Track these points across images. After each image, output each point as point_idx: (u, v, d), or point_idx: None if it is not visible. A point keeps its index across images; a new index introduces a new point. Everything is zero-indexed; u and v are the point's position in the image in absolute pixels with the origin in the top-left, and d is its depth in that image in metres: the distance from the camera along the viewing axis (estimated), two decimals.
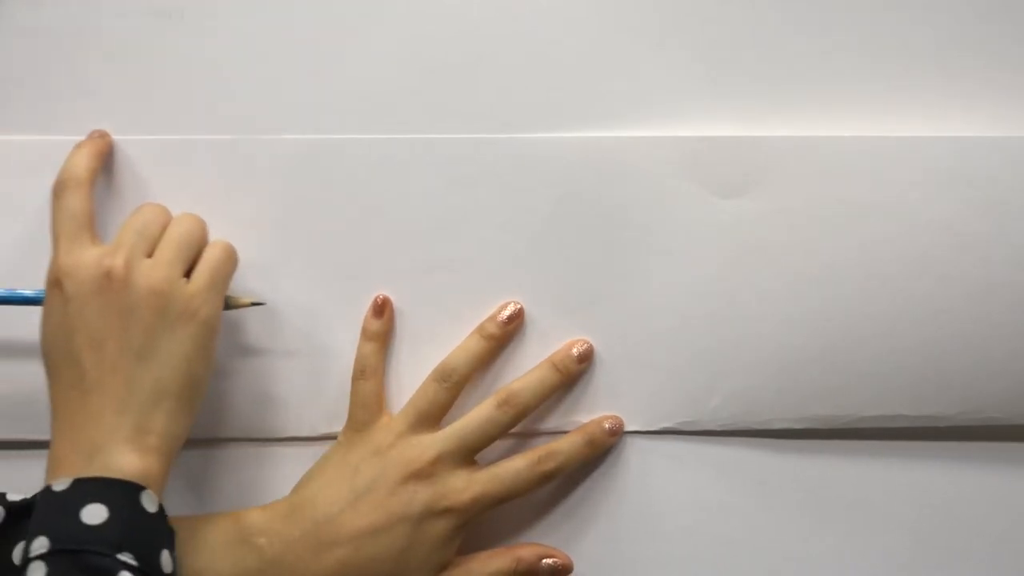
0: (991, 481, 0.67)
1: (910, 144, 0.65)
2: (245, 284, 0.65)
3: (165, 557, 0.54)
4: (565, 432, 0.65)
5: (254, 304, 0.64)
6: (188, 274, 0.60)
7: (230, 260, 0.62)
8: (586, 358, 0.65)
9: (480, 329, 0.65)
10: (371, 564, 0.60)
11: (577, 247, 0.66)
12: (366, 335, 0.65)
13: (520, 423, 0.64)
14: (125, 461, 0.55)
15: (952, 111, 0.66)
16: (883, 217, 0.64)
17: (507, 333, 0.65)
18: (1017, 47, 0.66)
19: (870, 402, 0.65)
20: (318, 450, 0.65)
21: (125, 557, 0.52)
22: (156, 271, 0.58)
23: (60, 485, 0.54)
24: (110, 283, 0.57)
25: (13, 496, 0.58)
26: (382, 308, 0.65)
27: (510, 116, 0.66)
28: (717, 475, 0.67)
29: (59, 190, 0.62)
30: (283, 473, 0.65)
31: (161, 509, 0.55)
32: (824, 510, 0.67)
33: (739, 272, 0.65)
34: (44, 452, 0.65)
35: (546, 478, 0.64)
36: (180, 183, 0.65)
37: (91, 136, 0.65)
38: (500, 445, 0.65)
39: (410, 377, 0.65)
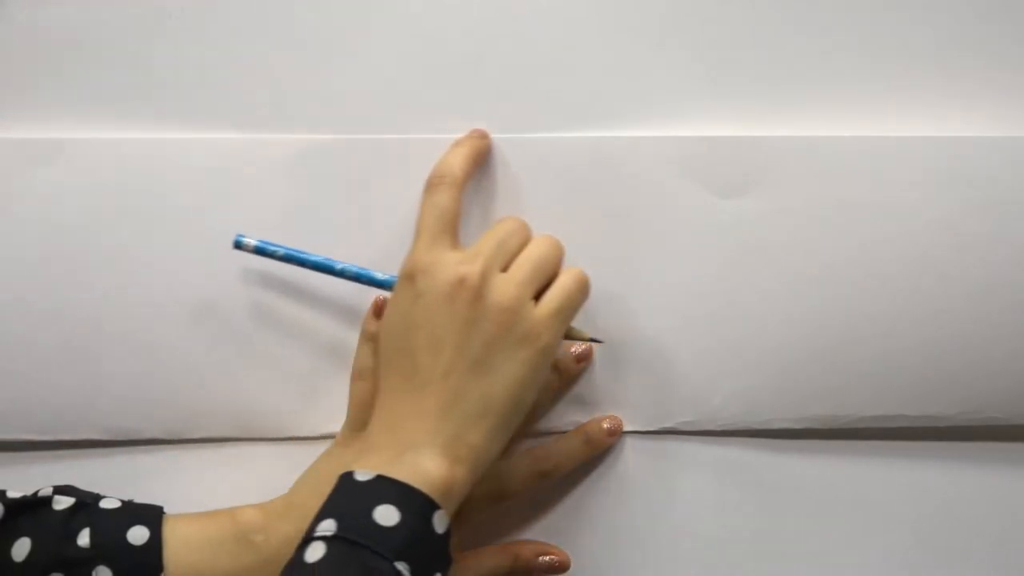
0: (991, 481, 0.67)
1: (910, 144, 0.65)
2: (245, 283, 0.65)
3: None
4: (564, 432, 0.65)
5: (593, 340, 0.63)
6: (537, 297, 0.59)
7: (582, 291, 0.61)
8: (585, 358, 0.65)
9: None
10: None
11: (577, 247, 0.65)
12: (365, 336, 0.65)
13: None
14: (434, 465, 0.55)
15: (952, 111, 0.66)
16: (883, 217, 0.64)
17: None
18: (1017, 47, 0.66)
19: (870, 402, 0.65)
20: (318, 450, 0.65)
21: (401, 567, 0.51)
22: (508, 288, 0.58)
23: (363, 476, 0.54)
24: (462, 290, 0.57)
25: (13, 493, 0.58)
26: (382, 309, 0.65)
27: (510, 116, 0.66)
28: (717, 475, 0.67)
29: (432, 186, 0.62)
30: (283, 473, 0.64)
31: (448, 532, 0.55)
32: (824, 510, 0.67)
33: (739, 272, 0.65)
34: (44, 452, 0.66)
35: (544, 478, 0.64)
36: (180, 183, 0.65)
37: (470, 135, 0.65)
38: None
39: None
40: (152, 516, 0.59)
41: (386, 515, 0.52)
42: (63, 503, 0.59)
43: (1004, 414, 0.65)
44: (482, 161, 0.65)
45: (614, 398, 0.66)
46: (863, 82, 0.66)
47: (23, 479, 0.63)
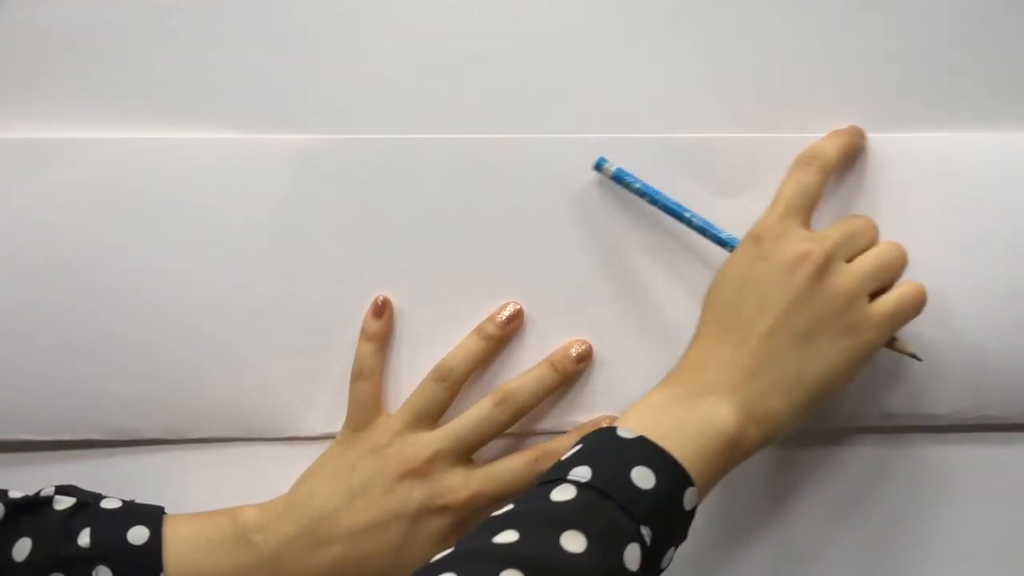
0: (991, 481, 0.67)
1: (910, 144, 0.65)
2: (245, 283, 0.66)
3: (671, 553, 0.54)
4: (563, 432, 0.65)
5: (913, 356, 0.63)
6: (872, 297, 0.59)
7: (917, 305, 0.60)
8: (584, 358, 0.65)
9: (479, 329, 0.65)
10: (367, 561, 0.60)
11: (577, 247, 0.66)
12: (365, 335, 0.65)
13: (517, 422, 0.64)
14: (729, 415, 0.55)
15: (952, 111, 0.66)
16: (882, 217, 0.64)
17: (506, 334, 0.65)
18: (1017, 47, 0.66)
19: (868, 402, 0.65)
20: (318, 450, 0.65)
21: (645, 532, 0.51)
22: (848, 277, 0.58)
23: (626, 433, 0.54)
24: (805, 263, 0.58)
25: (14, 493, 0.58)
26: (382, 309, 0.65)
27: (510, 116, 0.66)
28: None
29: (802, 163, 0.63)
30: (283, 473, 0.65)
31: (694, 512, 0.55)
32: (824, 510, 0.67)
33: None
34: (44, 452, 0.66)
35: None
36: (180, 183, 0.65)
37: (851, 129, 0.65)
38: (497, 444, 0.65)
39: (409, 377, 0.65)
40: (152, 516, 0.59)
41: (643, 477, 0.52)
42: (64, 503, 0.59)
43: (1001, 412, 0.65)
44: (854, 157, 0.65)
45: (614, 398, 0.66)
46: (863, 82, 0.66)
47: (23, 479, 0.63)
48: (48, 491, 0.59)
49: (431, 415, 0.64)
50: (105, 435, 0.67)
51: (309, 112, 0.66)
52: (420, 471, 0.61)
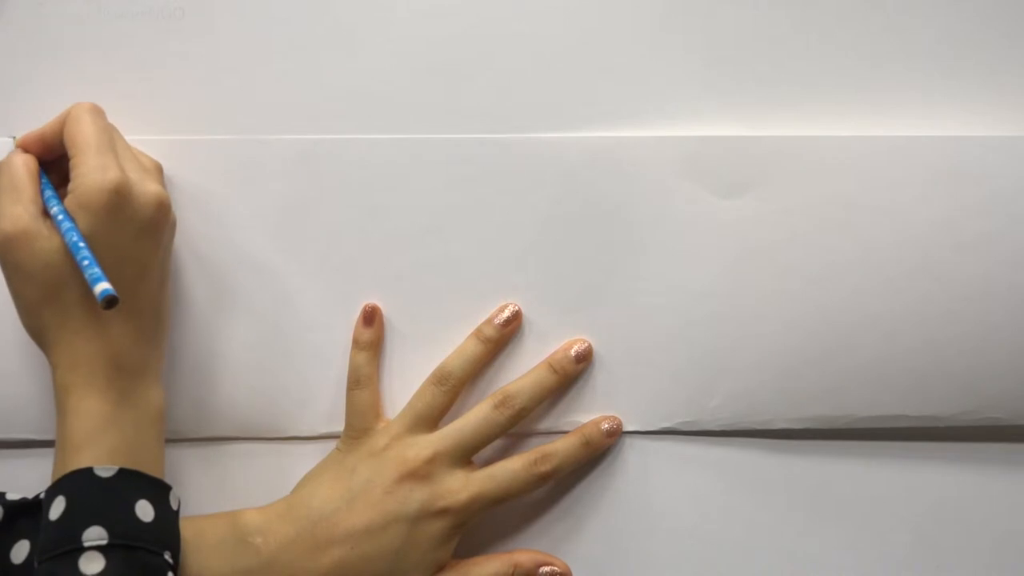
0: (991, 481, 0.67)
1: (910, 144, 0.65)
2: (245, 283, 0.66)
3: (178, 558, 0.56)
4: (563, 433, 0.66)
5: None
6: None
7: None
8: (584, 358, 0.65)
9: (477, 332, 0.65)
10: (367, 563, 0.60)
11: (576, 247, 0.66)
12: (358, 345, 0.65)
13: (517, 424, 0.64)
14: (159, 393, 0.60)
15: (952, 111, 0.66)
16: (883, 217, 0.64)
17: (504, 336, 0.65)
18: (1017, 47, 0.66)
19: (870, 402, 0.65)
20: (318, 450, 0.65)
21: (168, 556, 0.53)
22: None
23: (105, 472, 0.54)
24: None
25: (12, 496, 0.58)
26: (371, 316, 0.65)
27: (510, 116, 0.66)
28: (717, 475, 0.67)
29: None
30: (283, 473, 0.65)
31: (179, 508, 0.57)
32: (824, 510, 0.67)
33: (739, 272, 0.65)
34: (45, 452, 0.66)
35: (543, 479, 0.64)
36: (180, 183, 0.65)
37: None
38: (497, 445, 0.65)
39: (409, 380, 0.65)
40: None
41: (144, 510, 0.54)
42: None
43: (1004, 414, 0.65)
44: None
45: (613, 399, 0.66)
46: (863, 82, 0.66)
47: (23, 479, 0.63)
48: None
49: (431, 418, 0.64)
50: None
51: (309, 112, 0.66)
52: (420, 473, 0.61)
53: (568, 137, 0.65)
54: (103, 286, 0.54)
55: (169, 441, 0.66)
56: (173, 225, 0.62)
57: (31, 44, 0.66)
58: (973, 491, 0.67)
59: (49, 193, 0.59)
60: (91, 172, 0.57)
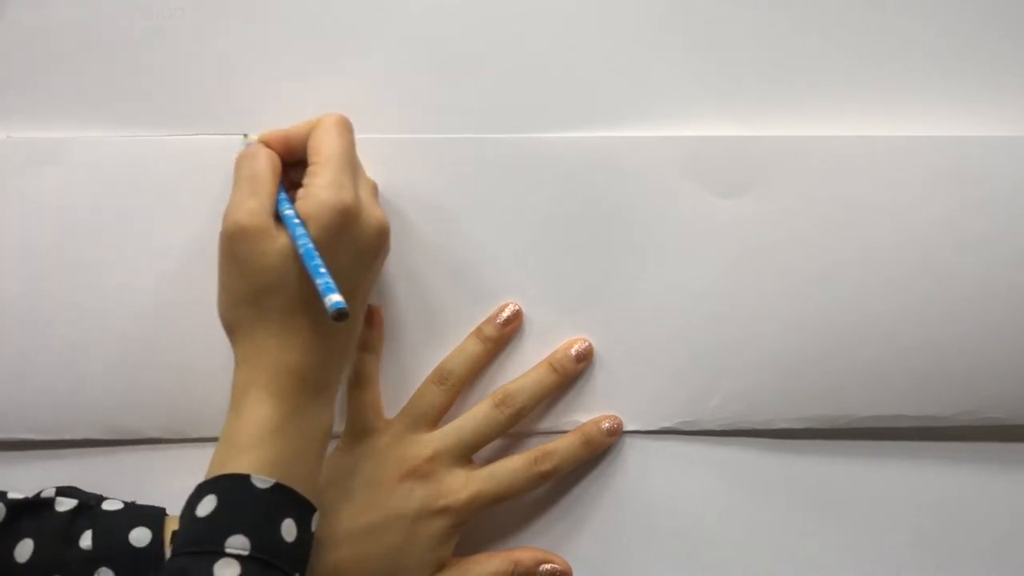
0: (991, 481, 0.67)
1: (910, 144, 0.65)
2: None
3: None
4: (563, 432, 0.66)
5: None
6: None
7: None
8: (584, 357, 0.65)
9: (478, 331, 0.65)
10: (368, 562, 0.60)
11: (577, 247, 0.66)
12: (359, 345, 0.65)
13: (518, 423, 0.64)
14: (329, 415, 0.59)
15: (952, 111, 0.66)
16: (883, 217, 0.64)
17: (505, 335, 0.65)
18: (1017, 47, 0.66)
19: (870, 402, 0.65)
20: None
21: None
22: None
23: (262, 483, 0.54)
24: None
25: (15, 495, 0.58)
26: (372, 317, 0.65)
27: (510, 116, 0.66)
28: (717, 475, 0.67)
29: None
30: None
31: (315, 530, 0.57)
32: (824, 510, 0.67)
33: (739, 272, 0.65)
34: (44, 452, 0.66)
35: (543, 478, 0.64)
36: (181, 182, 0.65)
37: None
38: (498, 445, 0.65)
39: (409, 379, 0.65)
40: (154, 517, 0.59)
41: (288, 530, 0.53)
42: (65, 505, 0.59)
43: (1004, 413, 0.66)
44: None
45: (614, 398, 0.66)
46: (863, 82, 0.66)
47: (23, 479, 0.63)
48: (49, 492, 0.59)
49: (431, 417, 0.64)
50: (105, 435, 0.66)
51: (309, 112, 0.66)
52: (420, 472, 0.61)
53: (568, 137, 0.65)
54: (336, 298, 0.53)
55: (169, 441, 0.67)
56: (387, 252, 0.61)
57: (31, 44, 0.66)
58: (973, 491, 0.67)
59: (283, 195, 0.58)
60: (328, 186, 0.56)
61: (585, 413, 0.66)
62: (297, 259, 0.55)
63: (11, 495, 0.58)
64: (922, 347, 0.65)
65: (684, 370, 0.66)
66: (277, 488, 0.54)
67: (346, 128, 0.59)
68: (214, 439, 0.66)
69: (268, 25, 0.66)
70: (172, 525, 0.59)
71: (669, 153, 0.65)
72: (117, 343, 0.66)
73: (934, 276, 0.64)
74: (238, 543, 0.51)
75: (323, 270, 0.54)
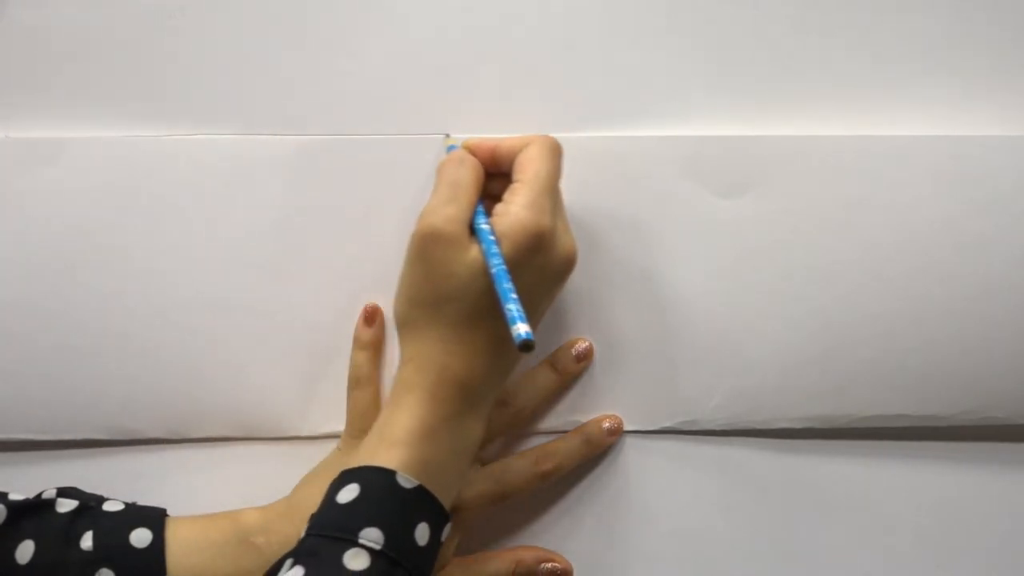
0: (991, 481, 0.67)
1: (910, 144, 0.65)
2: (245, 283, 0.65)
3: None
4: (564, 432, 0.66)
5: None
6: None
7: None
8: (585, 357, 0.65)
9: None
10: None
11: (577, 247, 0.66)
12: (359, 344, 0.65)
13: (518, 423, 0.64)
14: (480, 430, 0.59)
15: (952, 111, 0.66)
16: (883, 217, 0.64)
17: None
18: (1018, 47, 0.66)
19: (870, 402, 0.65)
20: (318, 450, 0.65)
21: None
22: None
23: (406, 483, 0.54)
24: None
25: (16, 496, 0.58)
26: (372, 316, 0.65)
27: (510, 116, 0.66)
28: (717, 475, 0.67)
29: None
30: (283, 473, 0.64)
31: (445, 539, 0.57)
32: (824, 510, 0.67)
33: (739, 272, 0.65)
34: (45, 452, 0.66)
35: (544, 478, 0.64)
36: (181, 182, 0.65)
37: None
38: (498, 444, 0.65)
39: None
40: (155, 519, 0.59)
41: (422, 534, 0.53)
42: (66, 506, 0.59)
43: (1005, 413, 0.66)
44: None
45: (614, 398, 0.66)
46: (863, 82, 0.66)
47: (23, 479, 0.63)
48: (50, 493, 0.59)
49: None
50: (105, 435, 0.66)
51: (309, 112, 0.66)
52: None
53: (568, 137, 0.65)
54: (524, 328, 0.53)
55: (169, 441, 0.67)
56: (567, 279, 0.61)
57: (31, 44, 0.66)
58: (973, 491, 0.67)
59: (480, 208, 0.58)
60: (528, 207, 0.56)
61: (585, 413, 0.66)
62: (484, 274, 0.55)
63: (12, 496, 0.58)
64: (922, 347, 0.65)
65: (684, 370, 0.66)
66: (419, 490, 0.54)
67: (556, 153, 0.59)
68: (214, 439, 0.67)
69: (268, 25, 0.66)
70: (172, 526, 0.59)
71: (669, 153, 0.65)
72: (117, 343, 0.66)
73: (934, 276, 0.64)
74: (372, 536, 0.52)
75: (513, 296, 0.54)
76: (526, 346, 0.52)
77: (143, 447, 0.67)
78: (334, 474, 0.62)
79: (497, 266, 0.55)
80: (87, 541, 0.57)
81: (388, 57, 0.66)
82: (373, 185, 0.65)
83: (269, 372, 0.66)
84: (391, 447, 0.55)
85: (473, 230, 0.57)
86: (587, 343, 0.66)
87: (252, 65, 0.66)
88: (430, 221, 0.56)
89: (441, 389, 0.56)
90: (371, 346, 0.65)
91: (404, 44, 0.66)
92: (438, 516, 0.54)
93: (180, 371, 0.66)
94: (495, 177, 0.60)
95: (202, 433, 0.66)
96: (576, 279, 0.65)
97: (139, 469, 0.67)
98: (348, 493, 0.53)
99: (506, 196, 0.57)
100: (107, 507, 0.60)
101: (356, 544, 0.51)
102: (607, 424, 0.65)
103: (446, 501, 0.55)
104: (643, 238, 0.65)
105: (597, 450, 0.66)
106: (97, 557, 0.57)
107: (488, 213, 0.58)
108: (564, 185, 0.64)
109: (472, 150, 0.60)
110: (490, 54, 0.66)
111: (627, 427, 0.66)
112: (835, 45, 0.66)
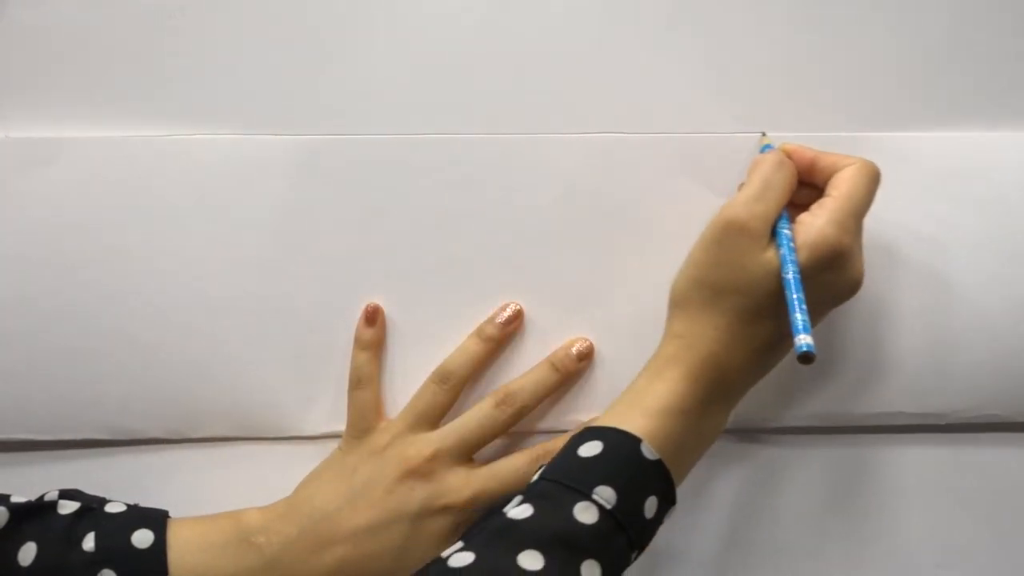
0: (994, 478, 0.67)
1: (910, 144, 0.65)
2: (246, 283, 0.65)
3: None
4: (564, 431, 0.65)
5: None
6: None
7: None
8: (585, 357, 0.65)
9: (479, 331, 0.65)
10: (369, 562, 0.60)
11: (577, 247, 0.66)
12: (359, 344, 0.65)
13: (518, 422, 0.64)
14: (724, 423, 0.60)
15: (952, 111, 0.66)
16: (882, 216, 0.64)
17: (506, 335, 0.65)
18: (1018, 47, 0.66)
19: (870, 401, 0.66)
20: (319, 449, 0.65)
21: (634, 556, 0.54)
22: None
23: (649, 454, 0.55)
24: None
25: (18, 498, 0.58)
26: (373, 316, 0.65)
27: (510, 116, 0.66)
28: (717, 474, 0.67)
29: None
30: (284, 473, 0.64)
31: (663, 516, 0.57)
32: (824, 509, 0.67)
33: None
34: (45, 452, 0.66)
35: None
36: (181, 182, 0.65)
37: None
38: (499, 444, 0.65)
39: (410, 379, 0.65)
40: (156, 520, 0.59)
41: (651, 507, 0.54)
42: (68, 508, 0.59)
43: (1004, 411, 0.66)
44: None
45: (614, 397, 0.66)
46: (863, 82, 0.66)
47: (24, 479, 0.63)
48: (52, 495, 0.59)
49: (432, 417, 0.64)
50: (105, 435, 0.67)
51: (309, 112, 0.66)
52: (421, 471, 0.61)
53: (568, 137, 0.65)
54: (807, 340, 0.53)
55: (170, 441, 0.67)
56: None
57: (31, 44, 0.66)
58: (974, 489, 0.67)
59: (785, 214, 0.59)
60: (835, 224, 0.57)
61: (585, 413, 0.66)
62: (774, 277, 0.56)
63: (14, 499, 0.58)
64: (922, 345, 0.65)
65: None
66: (659, 464, 0.55)
67: (875, 179, 0.59)
68: (215, 439, 0.67)
69: (268, 25, 0.66)
70: (173, 527, 0.60)
71: (669, 153, 0.65)
72: (116, 344, 0.66)
73: (934, 276, 0.64)
74: (606, 494, 0.52)
75: (803, 306, 0.54)
76: (806, 358, 0.53)
77: (143, 447, 0.67)
78: (335, 474, 0.62)
79: (793, 272, 0.55)
80: (89, 542, 0.57)
81: (387, 57, 0.66)
82: (373, 185, 0.66)
83: (269, 372, 0.66)
84: (643, 415, 0.56)
85: (773, 232, 0.58)
86: (588, 342, 0.66)
87: (252, 65, 0.66)
88: (737, 212, 0.58)
89: (704, 372, 0.57)
90: (372, 346, 0.65)
91: (403, 44, 0.66)
92: (668, 495, 0.55)
93: (180, 371, 0.66)
94: (803, 186, 0.61)
95: (203, 433, 0.66)
96: (576, 278, 0.66)
97: (139, 469, 0.67)
98: (590, 448, 0.54)
99: (814, 208, 0.58)
100: (109, 509, 0.60)
101: (589, 498, 0.52)
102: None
103: (680, 478, 0.56)
104: (643, 238, 0.66)
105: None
106: (99, 558, 0.57)
107: (790, 220, 0.58)
108: (564, 185, 0.65)
109: (790, 155, 0.61)
110: (490, 54, 0.66)
111: None
112: (835, 45, 0.66)
